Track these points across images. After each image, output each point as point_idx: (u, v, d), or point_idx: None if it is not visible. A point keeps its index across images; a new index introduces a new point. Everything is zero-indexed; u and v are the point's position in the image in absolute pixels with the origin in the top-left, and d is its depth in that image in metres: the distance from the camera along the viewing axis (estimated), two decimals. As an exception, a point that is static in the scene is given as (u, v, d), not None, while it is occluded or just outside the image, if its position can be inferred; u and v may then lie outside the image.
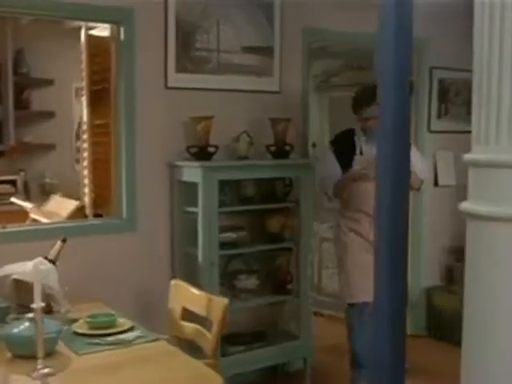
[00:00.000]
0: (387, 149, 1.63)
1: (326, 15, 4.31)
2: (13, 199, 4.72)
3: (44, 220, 3.87)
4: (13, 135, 5.97)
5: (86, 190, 3.91)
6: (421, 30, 4.76)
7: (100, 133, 3.92)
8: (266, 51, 4.12)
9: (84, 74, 3.82)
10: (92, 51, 3.86)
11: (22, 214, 5.27)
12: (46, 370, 2.27)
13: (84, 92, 3.85)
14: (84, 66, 3.81)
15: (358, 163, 3.69)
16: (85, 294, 3.03)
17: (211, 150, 3.72)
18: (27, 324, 2.47)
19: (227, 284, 3.80)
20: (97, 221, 3.72)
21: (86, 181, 3.94)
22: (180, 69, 3.80)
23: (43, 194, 6.23)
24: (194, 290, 3.06)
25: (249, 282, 3.79)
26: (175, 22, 3.75)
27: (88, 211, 3.88)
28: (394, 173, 1.62)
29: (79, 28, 4.23)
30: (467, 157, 1.91)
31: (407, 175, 1.71)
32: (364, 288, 3.35)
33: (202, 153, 3.70)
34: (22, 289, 2.92)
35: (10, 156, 6.07)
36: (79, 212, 3.98)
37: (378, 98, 1.68)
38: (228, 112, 3.93)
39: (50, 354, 2.38)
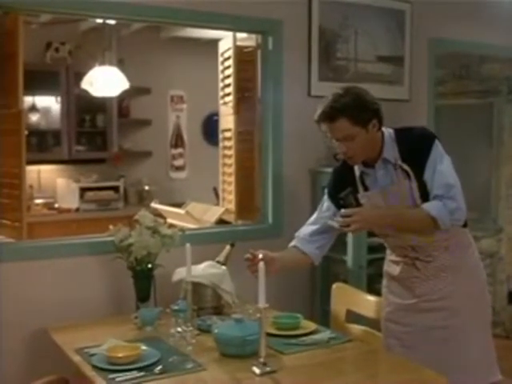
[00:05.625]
0: None
1: (450, 25, 4.38)
2: (153, 204, 4.80)
3: (189, 226, 3.95)
4: (116, 143, 6.12)
5: (231, 196, 3.99)
6: None
7: (240, 140, 4.01)
8: (397, 60, 4.19)
9: (231, 82, 3.90)
10: (235, 62, 3.96)
11: (126, 220, 5.39)
12: (269, 368, 2.35)
13: (231, 100, 3.94)
14: (232, 74, 3.90)
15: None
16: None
17: (354, 157, 3.78)
18: (235, 324, 2.56)
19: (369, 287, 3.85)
20: (244, 226, 3.80)
21: (230, 187, 4.02)
22: (322, 77, 3.89)
23: (140, 200, 6.37)
24: (362, 293, 3.13)
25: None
26: (318, 31, 3.84)
27: (233, 217, 3.95)
28: None
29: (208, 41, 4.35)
30: None
31: None
32: None
33: (344, 160, 3.76)
34: (195, 291, 3.02)
35: (111, 163, 6.22)
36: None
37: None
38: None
39: (256, 353, 2.45)
